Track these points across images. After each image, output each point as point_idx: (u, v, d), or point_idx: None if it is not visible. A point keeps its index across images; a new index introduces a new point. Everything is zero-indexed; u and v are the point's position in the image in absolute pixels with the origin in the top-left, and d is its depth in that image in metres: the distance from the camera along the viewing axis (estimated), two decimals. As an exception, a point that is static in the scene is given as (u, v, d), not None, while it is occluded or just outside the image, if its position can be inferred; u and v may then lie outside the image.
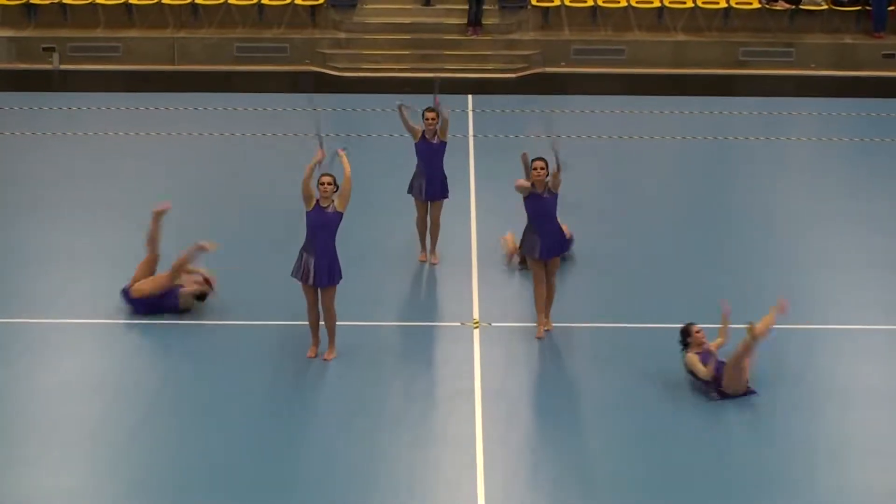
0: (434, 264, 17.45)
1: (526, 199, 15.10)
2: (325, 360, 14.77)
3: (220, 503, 12.11)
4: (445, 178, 17.38)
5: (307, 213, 14.41)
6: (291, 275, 14.57)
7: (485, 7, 29.18)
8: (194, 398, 14.08)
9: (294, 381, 14.45)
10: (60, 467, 12.70)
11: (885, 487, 12.48)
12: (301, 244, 14.49)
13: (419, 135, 17.10)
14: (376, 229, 18.36)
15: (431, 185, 17.22)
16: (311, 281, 14.45)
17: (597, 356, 15.06)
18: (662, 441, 13.23)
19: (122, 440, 13.23)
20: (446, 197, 17.49)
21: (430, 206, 17.35)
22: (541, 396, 14.24)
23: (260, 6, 29.43)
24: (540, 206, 15.09)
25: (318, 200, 14.36)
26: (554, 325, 15.50)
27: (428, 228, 17.50)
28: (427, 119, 17.10)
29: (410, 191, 17.48)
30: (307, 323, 14.78)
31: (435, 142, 17.14)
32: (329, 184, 14.34)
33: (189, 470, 12.68)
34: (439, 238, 17.56)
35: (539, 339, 15.30)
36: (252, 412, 13.77)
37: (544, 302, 15.34)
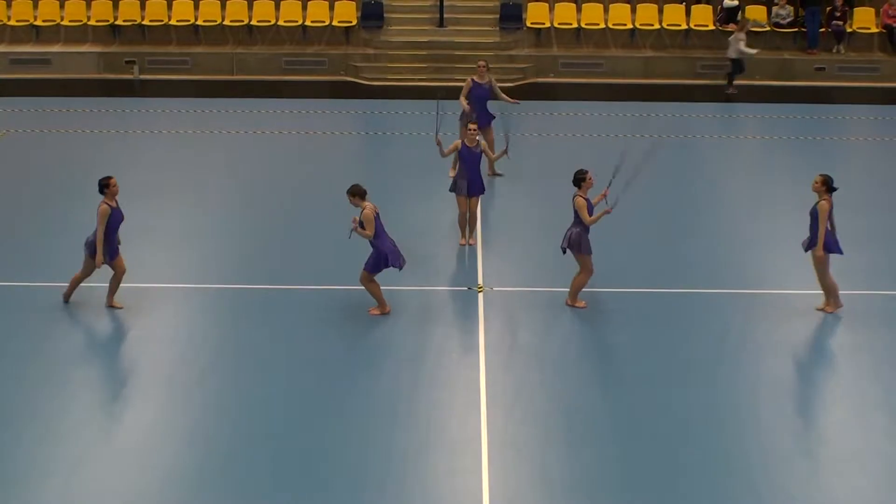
0: (472, 244, 17.27)
1: (585, 202, 14.68)
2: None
3: (275, 431, 12.15)
4: (481, 178, 17.27)
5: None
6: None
7: (486, 28, 29.16)
8: (251, 348, 14.09)
9: (330, 333, 14.45)
10: (141, 403, 12.76)
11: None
12: (339, 226, 14.55)
13: (458, 146, 16.99)
14: (398, 214, 18.30)
15: (473, 184, 17.04)
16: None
17: (581, 316, 15.04)
18: (629, 381, 13.28)
19: (192, 383, 13.26)
20: (483, 193, 17.35)
21: (469, 201, 17.16)
22: (534, 347, 14.19)
23: (304, 27, 29.39)
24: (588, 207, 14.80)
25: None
26: (542, 290, 15.49)
27: (467, 219, 17.27)
28: (470, 129, 17.10)
29: (454, 189, 17.10)
30: (344, 287, 14.79)
31: (476, 150, 17.03)
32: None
33: (245, 405, 12.71)
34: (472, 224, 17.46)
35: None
36: (297, 359, 13.80)
37: None
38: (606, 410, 12.72)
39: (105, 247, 14.51)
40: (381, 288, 14.87)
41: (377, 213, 14.43)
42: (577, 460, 11.73)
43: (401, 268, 14.74)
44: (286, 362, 13.72)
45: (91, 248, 14.59)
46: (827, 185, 14.71)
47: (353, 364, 13.71)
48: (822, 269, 14.78)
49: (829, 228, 14.68)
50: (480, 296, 15.58)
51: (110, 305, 14.99)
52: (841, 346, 14.31)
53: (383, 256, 14.53)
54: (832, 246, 14.69)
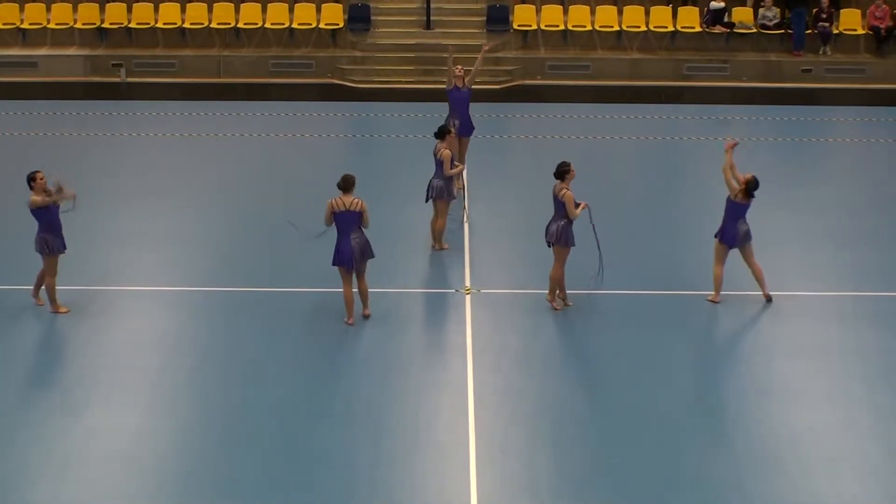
0: (446, 248, 17.20)
1: (573, 196, 14.74)
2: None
3: (263, 434, 12.11)
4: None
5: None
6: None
7: (473, 30, 29.12)
8: (238, 351, 14.06)
9: (321, 336, 14.42)
10: (126, 408, 12.71)
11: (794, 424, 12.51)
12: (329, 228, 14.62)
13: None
14: (385, 216, 18.25)
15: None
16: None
17: (568, 317, 15.01)
18: (617, 383, 13.27)
19: (177, 387, 13.22)
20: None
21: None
22: (521, 349, 14.19)
23: (291, 30, 29.34)
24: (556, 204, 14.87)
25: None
26: (529, 292, 15.48)
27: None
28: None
29: (440, 196, 16.87)
30: (332, 290, 14.74)
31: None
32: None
33: (233, 408, 12.68)
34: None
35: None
36: (285, 362, 13.77)
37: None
38: (594, 412, 12.71)
39: (54, 240, 14.61)
40: (369, 290, 14.85)
41: (336, 211, 14.29)
42: (565, 462, 11.71)
43: (350, 268, 14.47)
44: (274, 365, 13.68)
45: (40, 244, 14.67)
46: (749, 188, 15.12)
47: (340, 366, 13.67)
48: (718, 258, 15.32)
49: (744, 223, 15.20)
50: (468, 298, 15.55)
51: (34, 297, 15.07)
52: (829, 347, 14.30)
53: (336, 251, 14.46)
54: (731, 239, 15.19)
